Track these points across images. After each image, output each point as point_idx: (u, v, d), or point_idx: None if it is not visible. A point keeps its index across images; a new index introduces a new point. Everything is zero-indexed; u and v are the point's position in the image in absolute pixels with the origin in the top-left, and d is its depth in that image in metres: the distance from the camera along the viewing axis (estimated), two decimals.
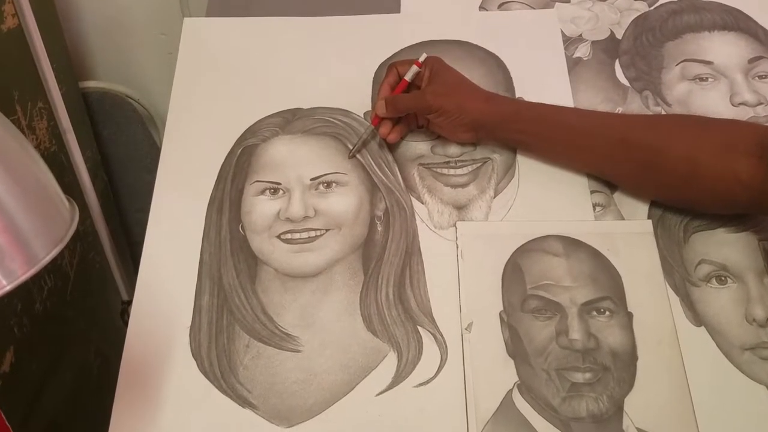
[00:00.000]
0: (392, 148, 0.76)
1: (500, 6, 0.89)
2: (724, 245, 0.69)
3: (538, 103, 0.72)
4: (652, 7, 0.87)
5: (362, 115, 0.77)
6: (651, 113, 0.78)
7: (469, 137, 0.74)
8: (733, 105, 0.78)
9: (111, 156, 1.20)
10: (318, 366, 0.63)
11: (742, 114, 0.78)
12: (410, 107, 0.73)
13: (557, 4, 0.89)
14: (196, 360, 0.64)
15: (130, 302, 0.71)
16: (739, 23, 0.84)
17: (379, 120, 0.74)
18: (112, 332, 1.09)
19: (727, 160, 0.62)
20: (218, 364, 0.63)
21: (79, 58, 1.13)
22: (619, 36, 0.86)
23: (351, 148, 0.74)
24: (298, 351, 0.64)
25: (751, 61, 0.81)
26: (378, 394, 0.62)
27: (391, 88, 0.74)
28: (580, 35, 0.86)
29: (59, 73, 0.96)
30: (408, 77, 0.73)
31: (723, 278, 0.67)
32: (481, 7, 0.89)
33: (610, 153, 0.68)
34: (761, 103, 0.78)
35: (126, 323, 0.67)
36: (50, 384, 0.94)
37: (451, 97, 0.71)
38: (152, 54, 1.13)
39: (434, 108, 0.71)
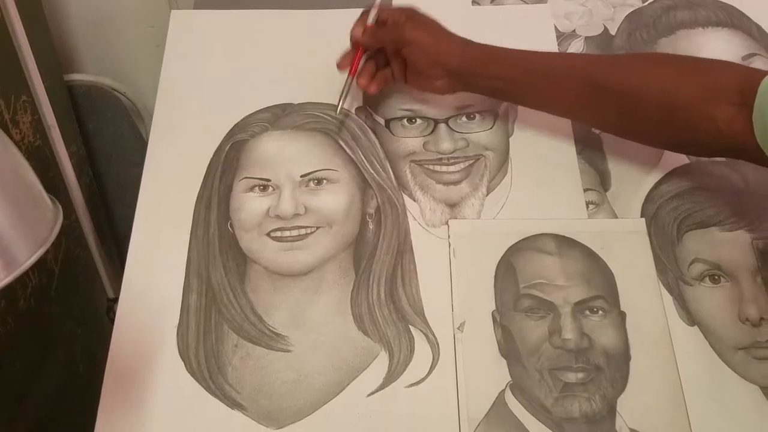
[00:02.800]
0: (384, 143, 0.75)
1: (493, 1, 0.88)
2: (718, 244, 0.68)
3: (513, 49, 0.70)
4: (646, 3, 0.87)
5: (338, 101, 0.73)
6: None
7: (443, 84, 0.71)
8: None
9: (97, 150, 1.17)
10: (308, 366, 0.62)
11: None
12: (387, 39, 0.71)
13: None
14: (183, 360, 0.63)
15: (116, 299, 0.69)
16: (732, 20, 0.84)
17: (356, 69, 0.72)
18: (99, 329, 1.07)
19: (705, 106, 0.59)
20: (206, 365, 0.62)
21: (64, 51, 1.11)
22: (612, 32, 0.85)
23: (338, 104, 0.72)
24: (288, 351, 0.63)
25: (745, 57, 0.81)
26: (369, 395, 0.61)
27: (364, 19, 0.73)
28: (574, 31, 0.85)
29: (44, 66, 0.94)
30: (370, 19, 0.72)
31: (716, 277, 0.67)
32: (474, 2, 0.88)
33: (585, 96, 0.66)
34: None
35: (112, 321, 0.65)
36: (35, 382, 0.92)
37: (429, 32, 0.70)
38: (139, 46, 1.11)
39: (411, 39, 0.69)
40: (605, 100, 0.65)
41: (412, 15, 0.71)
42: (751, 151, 0.57)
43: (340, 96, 0.72)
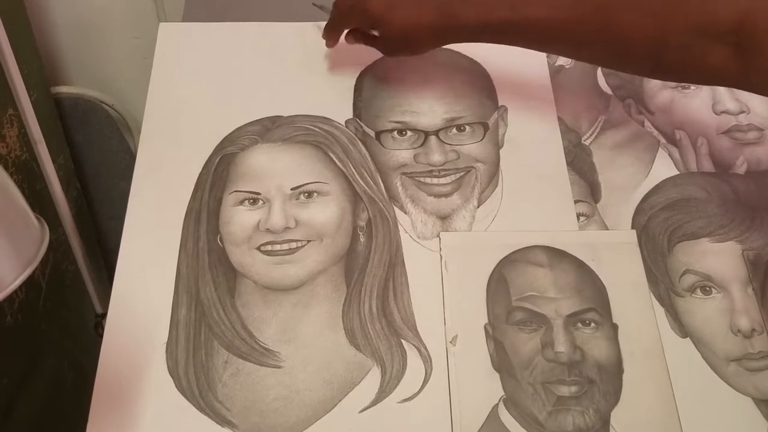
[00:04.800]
0: (374, 155, 0.75)
1: None
2: (708, 255, 0.68)
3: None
4: None
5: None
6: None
7: (430, 37, 0.69)
8: (715, 113, 0.78)
9: (85, 162, 1.17)
10: (300, 382, 0.62)
11: (725, 123, 0.78)
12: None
13: None
14: (173, 378, 0.62)
15: (104, 315, 0.68)
16: None
17: None
18: (87, 343, 1.06)
19: (697, 47, 0.57)
20: (196, 382, 0.62)
21: (52, 63, 1.10)
22: None
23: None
24: (279, 367, 0.63)
25: None
26: (361, 411, 0.61)
27: None
28: None
29: (30, 78, 0.94)
30: None
31: (707, 289, 0.67)
32: None
33: (574, 38, 0.63)
34: (743, 111, 0.78)
35: (100, 336, 0.64)
36: (22, 397, 0.91)
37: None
38: (127, 59, 1.11)
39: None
40: (595, 38, 0.62)
41: None
42: (746, 86, 0.57)
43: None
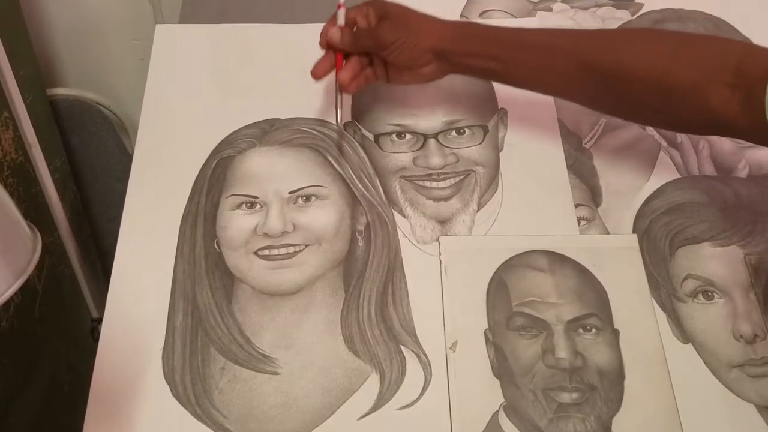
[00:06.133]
0: (373, 159, 0.74)
1: (481, 14, 0.88)
2: (711, 260, 0.68)
3: (499, 26, 0.68)
4: (635, 16, 0.87)
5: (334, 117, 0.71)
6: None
7: (431, 70, 0.68)
8: None
9: (81, 164, 1.16)
10: (297, 389, 0.61)
11: None
12: (365, 43, 0.68)
13: (539, 12, 0.87)
14: (169, 384, 0.61)
15: (100, 320, 0.68)
16: (721, 33, 0.84)
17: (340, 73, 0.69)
18: (84, 346, 1.05)
19: (699, 87, 0.57)
20: (192, 389, 0.61)
21: (48, 65, 1.09)
22: None
23: (337, 119, 0.69)
24: (277, 373, 0.62)
25: None
26: (360, 418, 0.60)
27: (334, 21, 0.70)
28: None
29: (26, 81, 0.93)
30: (340, 20, 0.69)
31: (710, 294, 0.66)
32: (462, 15, 0.88)
33: (573, 74, 0.64)
34: None
35: (96, 341, 0.64)
36: (18, 402, 0.90)
37: (406, 28, 0.66)
38: (124, 60, 1.10)
39: (388, 42, 0.66)
40: (594, 78, 0.63)
41: (382, 13, 0.68)
42: (745, 131, 0.57)
43: (336, 106, 0.69)
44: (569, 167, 0.74)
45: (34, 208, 0.93)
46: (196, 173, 0.73)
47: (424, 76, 0.69)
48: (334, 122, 0.71)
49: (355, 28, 0.69)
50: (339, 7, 0.69)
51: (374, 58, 0.70)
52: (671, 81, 0.59)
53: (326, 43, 0.70)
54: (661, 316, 0.65)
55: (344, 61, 0.70)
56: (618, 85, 0.62)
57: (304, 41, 0.76)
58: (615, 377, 0.62)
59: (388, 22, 0.67)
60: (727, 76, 0.56)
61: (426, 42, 0.66)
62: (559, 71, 0.64)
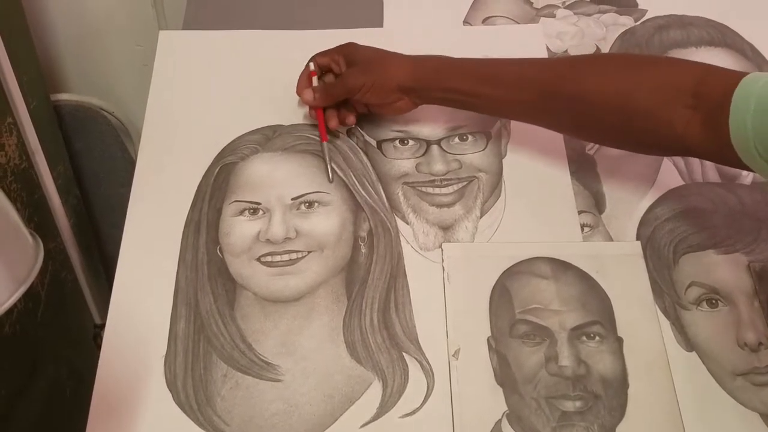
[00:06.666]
0: (376, 165, 0.74)
1: (484, 20, 0.88)
2: (714, 267, 0.67)
3: (464, 58, 0.70)
4: (638, 23, 0.87)
5: (318, 140, 0.75)
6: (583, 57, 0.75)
7: (403, 104, 0.71)
8: None
9: (85, 170, 1.16)
10: (299, 396, 0.61)
11: None
12: (337, 93, 0.72)
13: (542, 19, 0.87)
14: (171, 391, 0.61)
15: (102, 325, 0.68)
16: (725, 39, 0.84)
17: (325, 130, 0.73)
18: (87, 352, 1.05)
19: (661, 110, 0.59)
20: (194, 396, 0.61)
21: (51, 70, 1.10)
22: (605, 51, 0.84)
23: (328, 172, 0.72)
24: (279, 380, 0.62)
25: None
26: (362, 426, 0.60)
27: (308, 79, 0.74)
28: (566, 51, 0.84)
29: (30, 86, 0.93)
30: (314, 82, 0.73)
31: (714, 301, 0.66)
32: (465, 22, 0.88)
33: (537, 103, 0.66)
34: None
35: (99, 346, 0.64)
36: (21, 408, 0.90)
37: (371, 72, 0.70)
38: (127, 66, 1.10)
39: (356, 88, 0.70)
40: (559, 105, 0.65)
41: (350, 58, 0.72)
42: (708, 152, 0.58)
43: (326, 162, 0.72)
44: (572, 174, 0.74)
45: (37, 214, 0.93)
46: (199, 179, 0.73)
47: (397, 110, 0.72)
48: (328, 177, 0.72)
49: (325, 79, 0.74)
50: (307, 67, 0.74)
51: (352, 100, 0.73)
52: (633, 105, 0.60)
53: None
54: (665, 323, 0.65)
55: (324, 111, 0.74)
56: (582, 111, 0.64)
57: (307, 47, 0.76)
58: (618, 385, 0.61)
59: (355, 68, 0.71)
60: (687, 98, 0.58)
61: (391, 83, 0.70)
62: (525, 100, 0.67)
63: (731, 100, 0.54)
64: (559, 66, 0.69)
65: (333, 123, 0.73)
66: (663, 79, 0.60)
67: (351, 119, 0.74)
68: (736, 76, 0.55)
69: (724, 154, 0.55)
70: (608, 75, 0.63)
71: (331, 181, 0.72)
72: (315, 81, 0.74)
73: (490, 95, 0.68)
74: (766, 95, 0.52)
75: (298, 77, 0.75)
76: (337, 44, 0.74)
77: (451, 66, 0.70)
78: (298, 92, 0.74)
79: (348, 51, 0.73)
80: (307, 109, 0.76)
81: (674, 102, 0.58)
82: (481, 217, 0.71)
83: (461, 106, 0.71)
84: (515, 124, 0.77)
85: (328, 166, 0.72)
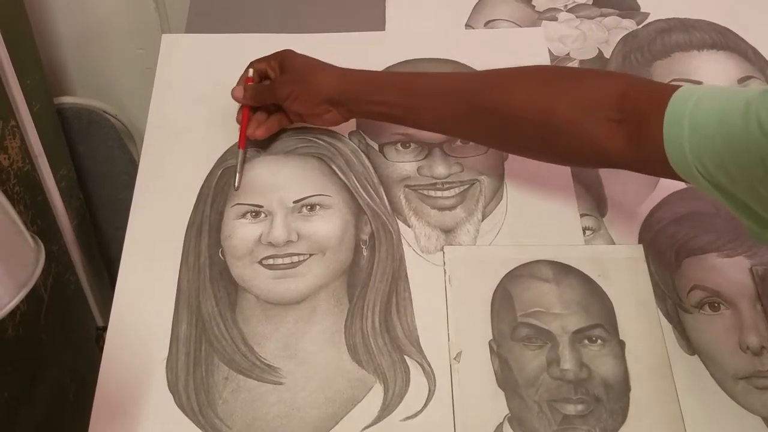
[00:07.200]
0: (377, 168, 0.74)
1: (486, 24, 0.88)
2: (717, 271, 0.67)
3: (393, 72, 0.71)
4: (641, 26, 0.87)
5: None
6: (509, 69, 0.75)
7: (332, 117, 0.71)
8: None
9: (88, 172, 1.16)
10: (301, 399, 0.61)
11: None
12: (265, 97, 0.73)
13: (544, 22, 0.87)
14: (172, 394, 0.61)
15: (105, 328, 0.68)
16: (728, 42, 0.84)
17: (245, 136, 0.73)
18: (89, 355, 1.05)
19: (584, 125, 0.59)
20: (196, 399, 0.61)
21: (55, 74, 1.10)
22: (607, 55, 0.84)
23: (235, 178, 0.71)
24: (280, 383, 0.62)
25: (741, 80, 0.81)
26: (364, 429, 0.60)
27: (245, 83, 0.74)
28: (568, 54, 0.84)
29: (33, 90, 0.93)
30: (251, 74, 0.73)
31: (716, 305, 0.66)
32: (467, 25, 0.88)
33: (462, 116, 0.66)
34: None
35: (101, 349, 0.64)
36: (23, 410, 0.90)
37: (300, 81, 0.70)
38: (130, 69, 1.11)
39: (284, 95, 0.70)
40: (485, 119, 0.65)
41: (284, 64, 0.72)
42: (633, 164, 0.58)
43: (237, 170, 0.71)
44: (574, 177, 0.74)
45: (40, 216, 0.93)
46: (202, 182, 0.73)
47: (326, 121, 0.72)
48: (234, 184, 0.72)
49: (255, 83, 0.74)
50: (248, 80, 0.74)
51: (281, 109, 0.73)
52: (554, 119, 0.60)
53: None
54: (667, 327, 0.65)
55: (252, 113, 0.73)
56: (506, 125, 0.64)
57: (309, 51, 0.76)
58: (620, 389, 0.61)
59: (286, 75, 0.71)
60: (610, 112, 0.58)
61: (318, 95, 0.70)
62: (453, 114, 0.66)
63: (663, 118, 0.53)
64: (484, 78, 0.68)
65: (251, 131, 0.72)
66: (584, 93, 0.60)
67: (259, 132, 0.72)
68: (663, 91, 0.54)
69: (652, 167, 0.56)
70: (529, 89, 0.63)
71: (236, 189, 0.71)
72: (251, 74, 0.74)
73: (415, 107, 0.67)
74: (698, 115, 0.51)
75: None
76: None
77: (378, 79, 0.71)
78: (232, 91, 0.74)
79: (282, 57, 0.73)
80: None
81: (596, 116, 0.58)
82: (482, 220, 0.71)
83: (390, 119, 0.71)
84: None
85: (238, 173, 0.71)
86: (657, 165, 0.54)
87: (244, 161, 0.72)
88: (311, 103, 0.70)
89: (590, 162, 0.66)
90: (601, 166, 0.66)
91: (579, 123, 0.59)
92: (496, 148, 0.73)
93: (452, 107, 0.66)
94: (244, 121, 0.73)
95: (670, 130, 0.53)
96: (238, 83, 0.74)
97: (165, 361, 0.63)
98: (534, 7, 0.89)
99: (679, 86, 0.54)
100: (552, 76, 0.66)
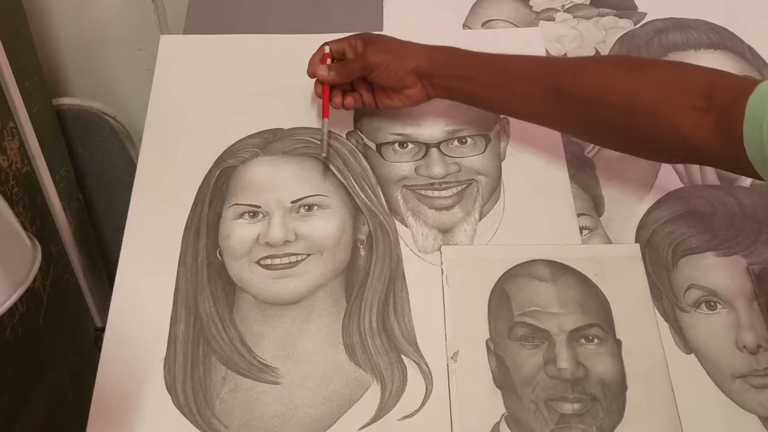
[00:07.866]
0: (375, 168, 0.74)
1: (484, 24, 0.88)
2: (713, 269, 0.67)
3: (479, 52, 0.70)
4: (638, 26, 0.87)
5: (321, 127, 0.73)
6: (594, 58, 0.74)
7: (416, 92, 0.71)
8: None
9: (87, 173, 1.17)
10: (298, 399, 0.61)
11: None
12: (354, 69, 0.72)
13: (542, 22, 0.88)
14: (170, 394, 0.61)
15: (103, 329, 0.68)
16: (725, 42, 0.84)
17: (328, 108, 0.72)
18: (88, 355, 1.05)
19: (668, 111, 0.58)
20: (194, 398, 0.61)
21: (53, 75, 1.10)
22: (604, 55, 0.84)
23: (321, 149, 0.71)
24: (278, 383, 0.62)
25: None
26: (361, 428, 0.60)
27: (321, 61, 0.73)
28: (565, 54, 0.84)
29: (32, 91, 0.94)
30: (327, 50, 0.73)
31: (712, 304, 0.66)
32: (465, 25, 0.88)
33: (546, 100, 0.66)
34: None
35: (100, 349, 0.64)
36: (23, 411, 0.90)
37: (392, 51, 0.70)
38: (129, 70, 1.11)
39: (376, 63, 0.70)
40: (566, 103, 0.65)
41: (369, 40, 0.72)
42: (716, 157, 0.57)
43: (321, 139, 0.71)
44: (571, 177, 0.74)
45: (38, 217, 0.94)
46: (200, 183, 0.73)
47: (410, 98, 0.71)
48: (321, 152, 0.72)
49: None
50: (326, 56, 0.73)
51: (360, 87, 0.73)
52: (640, 106, 0.60)
53: (313, 74, 0.73)
54: (664, 326, 0.65)
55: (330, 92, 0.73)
56: (589, 111, 0.63)
57: (308, 52, 0.76)
58: (617, 388, 0.61)
59: (373, 46, 0.71)
60: (697, 100, 0.57)
61: (409, 63, 0.69)
62: (534, 96, 0.66)
63: (746, 104, 0.53)
64: (567, 63, 0.68)
65: (337, 101, 0.73)
66: (671, 81, 0.60)
67: (349, 101, 0.73)
68: (749, 81, 0.55)
69: (733, 157, 0.54)
70: (615, 75, 0.63)
71: (324, 155, 0.72)
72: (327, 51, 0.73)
73: (500, 86, 0.67)
74: None
75: (297, 81, 0.76)
76: None
77: (466, 55, 0.70)
78: (311, 72, 0.73)
79: (365, 34, 0.73)
80: (309, 103, 0.76)
81: (682, 103, 0.58)
82: (480, 219, 0.71)
83: (471, 98, 0.71)
84: (514, 127, 0.77)
85: (324, 142, 0.71)
86: (735, 154, 0.54)
87: (326, 129, 0.72)
88: (401, 73, 0.70)
89: (673, 153, 0.63)
90: (682, 158, 0.64)
91: (664, 109, 0.58)
92: (578, 136, 0.73)
93: (535, 90, 0.66)
94: (325, 93, 0.73)
95: (751, 115, 0.52)
96: (311, 62, 0.73)
97: (163, 361, 0.63)
98: (531, 7, 0.89)
99: (762, 80, 0.54)
100: (640, 64, 0.66)
